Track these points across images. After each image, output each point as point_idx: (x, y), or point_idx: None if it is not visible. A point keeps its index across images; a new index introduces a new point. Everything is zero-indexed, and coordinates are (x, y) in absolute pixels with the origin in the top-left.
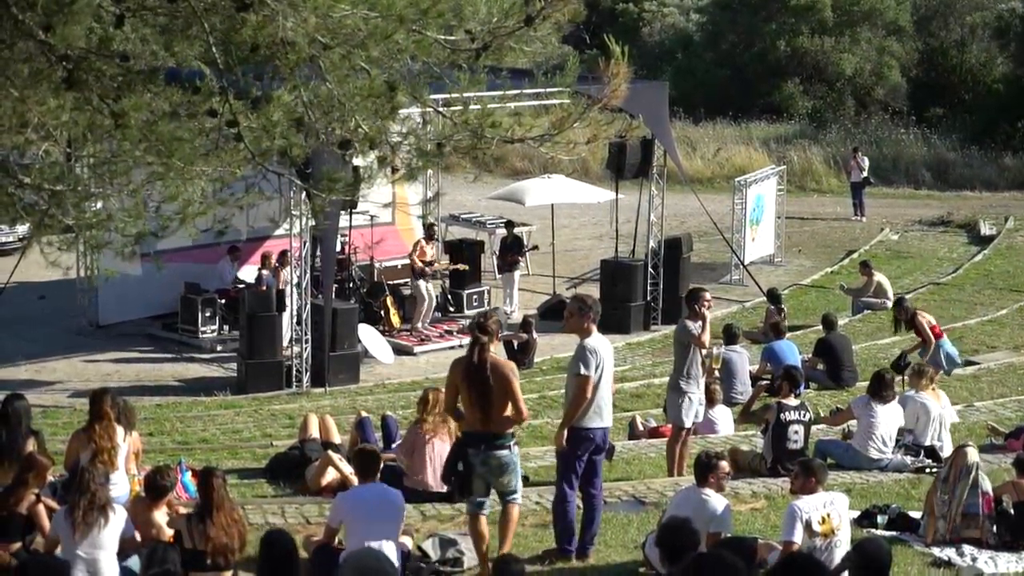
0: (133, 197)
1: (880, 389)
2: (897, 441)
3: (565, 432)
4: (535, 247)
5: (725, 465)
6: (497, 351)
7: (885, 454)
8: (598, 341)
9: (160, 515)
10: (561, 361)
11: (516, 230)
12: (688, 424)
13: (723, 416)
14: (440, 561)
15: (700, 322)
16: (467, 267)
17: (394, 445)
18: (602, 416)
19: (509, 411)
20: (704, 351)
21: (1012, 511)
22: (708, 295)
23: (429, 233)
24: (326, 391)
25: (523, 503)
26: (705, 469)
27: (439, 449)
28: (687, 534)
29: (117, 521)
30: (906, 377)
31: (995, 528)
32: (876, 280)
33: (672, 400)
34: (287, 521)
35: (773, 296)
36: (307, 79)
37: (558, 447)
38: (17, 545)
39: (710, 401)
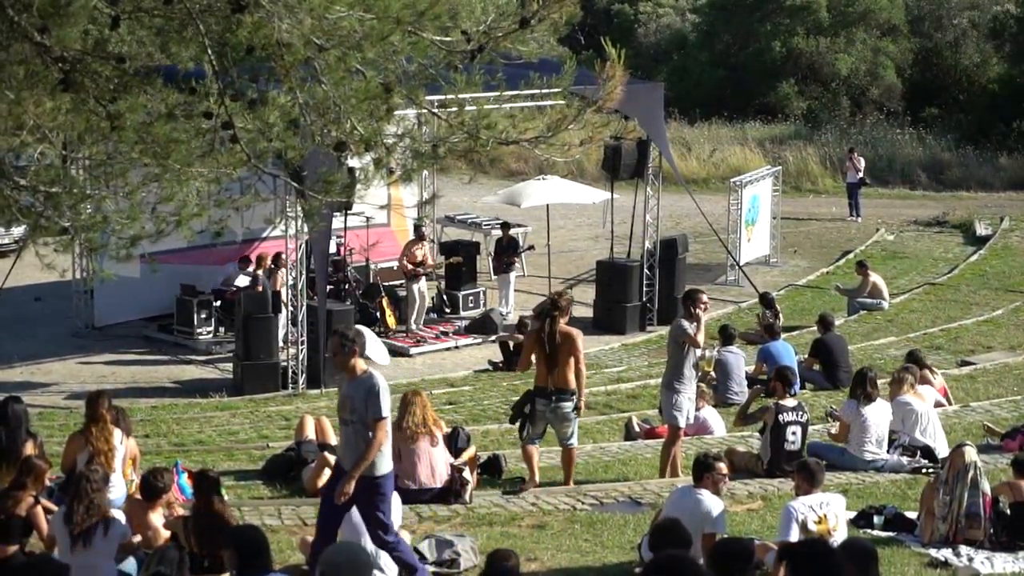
0: (129, 199)
1: (863, 388)
2: (892, 442)
3: (354, 482)
4: (531, 247)
5: (723, 467)
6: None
7: (879, 455)
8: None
9: (156, 517)
10: None
11: (512, 231)
12: (683, 424)
13: (713, 417)
14: (437, 562)
15: (695, 323)
16: (460, 260)
17: None
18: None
19: (572, 372)
20: (699, 351)
21: (1009, 511)
22: (704, 296)
23: (418, 235)
24: (322, 392)
25: (519, 504)
26: (702, 469)
27: (425, 447)
28: (678, 536)
29: (115, 527)
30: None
31: (992, 529)
32: (872, 280)
33: (667, 400)
34: (283, 522)
35: (766, 300)
36: (303, 81)
37: (343, 497)
38: (15, 548)
39: (699, 399)
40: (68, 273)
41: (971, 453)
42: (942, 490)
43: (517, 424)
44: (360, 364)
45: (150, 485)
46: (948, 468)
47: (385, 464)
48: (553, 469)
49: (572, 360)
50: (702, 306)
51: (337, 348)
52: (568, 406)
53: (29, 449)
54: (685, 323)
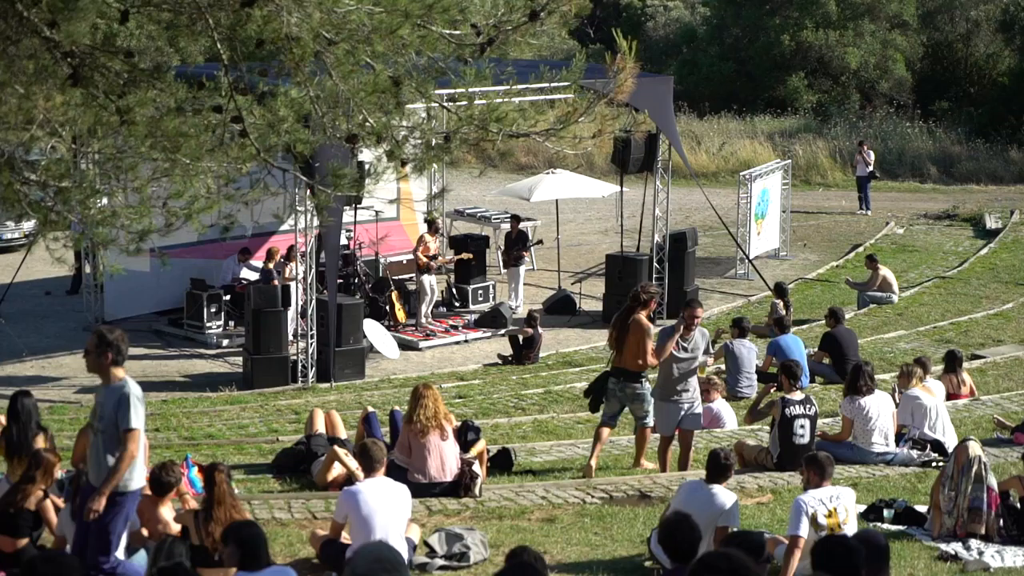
0: (139, 193)
1: (856, 382)
2: (902, 436)
3: (104, 499)
4: (540, 242)
5: (735, 465)
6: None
7: (888, 447)
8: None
9: (166, 510)
10: (567, 356)
11: (521, 225)
12: (670, 433)
13: (725, 410)
14: (446, 556)
15: (676, 330)
16: (471, 256)
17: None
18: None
19: (639, 358)
20: (696, 361)
21: (1019, 505)
22: (699, 311)
23: (433, 227)
24: (332, 386)
25: (529, 497)
26: (720, 471)
27: (436, 441)
28: (687, 530)
29: None
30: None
31: (1002, 522)
32: (882, 274)
33: (656, 407)
34: (293, 516)
35: (780, 290)
36: (312, 74)
37: (92, 515)
38: (25, 541)
39: (707, 393)
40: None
41: (975, 448)
42: (947, 485)
43: (588, 400)
44: (117, 371)
45: (159, 480)
46: (953, 463)
47: (136, 480)
48: (562, 463)
49: (639, 348)
50: (687, 316)
51: (91, 347)
52: (635, 387)
53: (40, 443)
54: (665, 332)
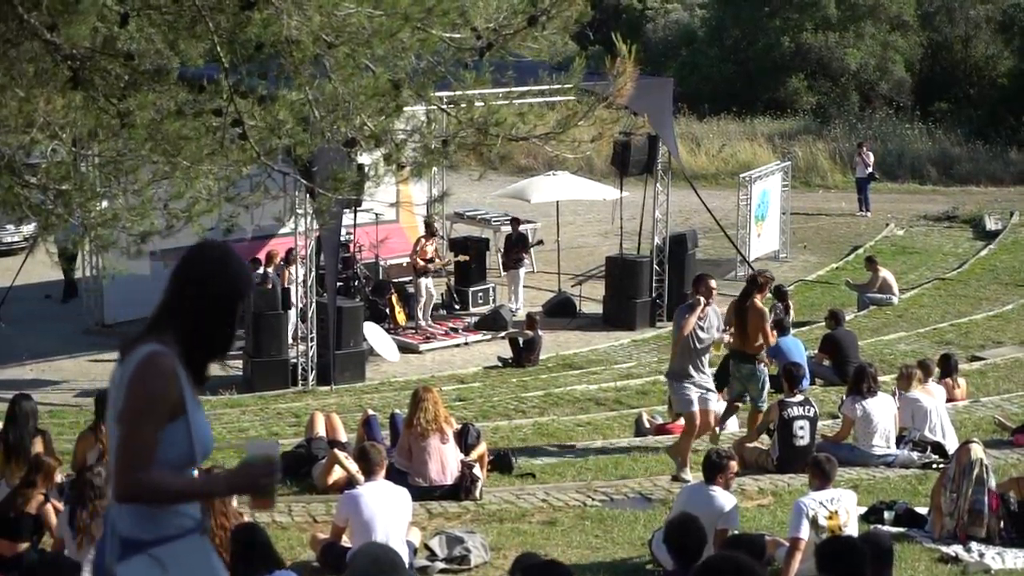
0: (139, 196)
1: (861, 383)
2: (902, 438)
3: None
4: (541, 242)
5: (734, 465)
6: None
7: (889, 448)
8: None
9: None
10: (567, 358)
11: (521, 227)
12: (695, 408)
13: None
14: (447, 559)
15: (693, 308)
16: (468, 258)
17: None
18: None
19: (756, 340)
20: (705, 335)
21: (1018, 508)
22: (712, 282)
23: (430, 231)
24: (332, 389)
25: (530, 500)
26: (715, 469)
27: (436, 444)
28: (695, 532)
29: None
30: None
31: (1002, 524)
32: (881, 276)
33: (673, 390)
34: (293, 519)
35: (780, 293)
36: (312, 77)
37: None
38: (25, 545)
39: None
40: (79, 271)
41: (977, 450)
42: (948, 486)
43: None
44: None
45: None
46: (954, 464)
47: None
48: (563, 465)
49: (758, 331)
50: (704, 291)
51: None
52: (749, 367)
53: (38, 446)
54: (684, 308)
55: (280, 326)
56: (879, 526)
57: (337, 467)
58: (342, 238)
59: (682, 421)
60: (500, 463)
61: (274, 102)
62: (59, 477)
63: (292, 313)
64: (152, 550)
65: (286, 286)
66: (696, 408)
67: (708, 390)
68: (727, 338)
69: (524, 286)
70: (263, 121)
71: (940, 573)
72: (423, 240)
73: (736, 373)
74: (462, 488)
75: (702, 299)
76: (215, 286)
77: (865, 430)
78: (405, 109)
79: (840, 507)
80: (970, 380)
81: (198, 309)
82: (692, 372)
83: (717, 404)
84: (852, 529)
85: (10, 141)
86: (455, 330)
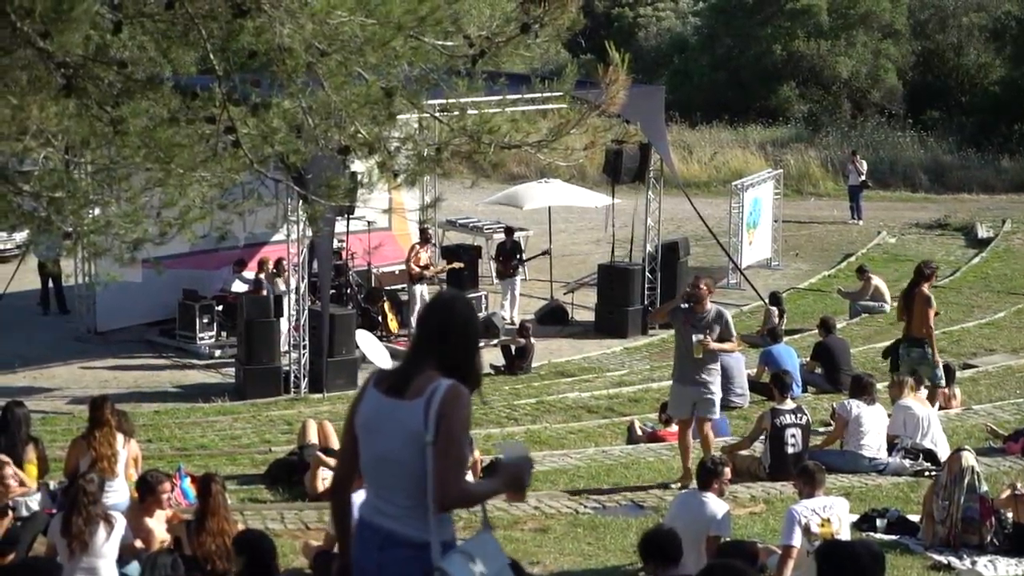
0: (132, 203)
1: (860, 391)
2: (894, 446)
3: None
4: (546, 252)
5: (728, 472)
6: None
7: (880, 455)
8: None
9: (152, 521)
10: (559, 366)
11: (514, 236)
12: (684, 415)
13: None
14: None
15: (678, 300)
16: (463, 265)
17: None
18: None
19: (924, 326)
20: (696, 336)
21: (1012, 529)
22: (702, 283)
23: (424, 237)
24: (324, 397)
25: (522, 507)
26: (710, 475)
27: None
28: (669, 542)
29: (117, 530)
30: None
31: (994, 534)
32: (873, 284)
33: (670, 391)
34: (286, 526)
35: (775, 298)
36: (305, 85)
37: None
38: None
39: None
40: (71, 278)
41: (968, 458)
42: (940, 494)
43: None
44: None
45: (145, 482)
46: (946, 472)
47: None
48: (555, 473)
49: (923, 316)
50: (692, 288)
51: None
52: (919, 351)
53: (30, 454)
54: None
55: (272, 333)
56: (871, 534)
57: (325, 471)
58: (334, 245)
59: (674, 427)
60: (493, 471)
61: (267, 110)
62: (51, 484)
63: (284, 320)
64: (462, 546)
65: (278, 293)
66: (685, 415)
67: (706, 396)
68: (710, 342)
69: (520, 294)
70: (256, 129)
71: None
72: (417, 247)
73: (906, 356)
74: None
75: (695, 294)
76: (472, 328)
77: (856, 431)
78: (398, 117)
79: (833, 515)
80: (962, 388)
81: (463, 347)
82: (690, 375)
83: (714, 411)
84: (844, 537)
85: (3, 149)
86: None
